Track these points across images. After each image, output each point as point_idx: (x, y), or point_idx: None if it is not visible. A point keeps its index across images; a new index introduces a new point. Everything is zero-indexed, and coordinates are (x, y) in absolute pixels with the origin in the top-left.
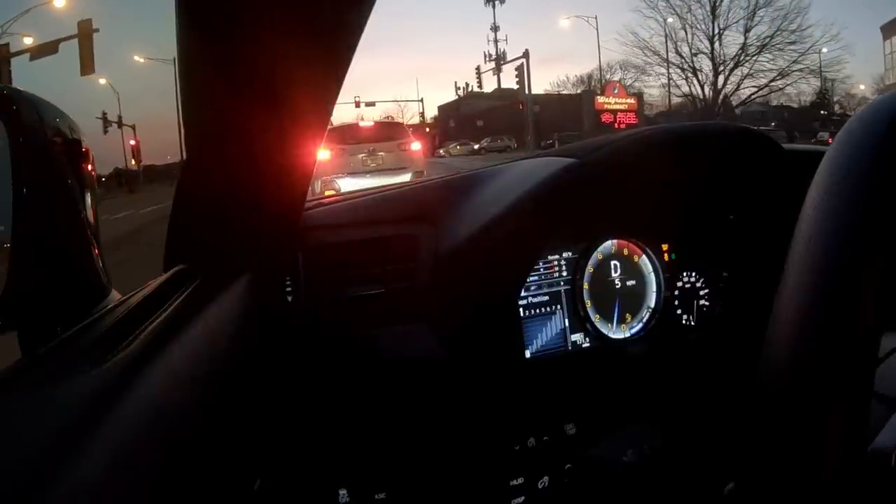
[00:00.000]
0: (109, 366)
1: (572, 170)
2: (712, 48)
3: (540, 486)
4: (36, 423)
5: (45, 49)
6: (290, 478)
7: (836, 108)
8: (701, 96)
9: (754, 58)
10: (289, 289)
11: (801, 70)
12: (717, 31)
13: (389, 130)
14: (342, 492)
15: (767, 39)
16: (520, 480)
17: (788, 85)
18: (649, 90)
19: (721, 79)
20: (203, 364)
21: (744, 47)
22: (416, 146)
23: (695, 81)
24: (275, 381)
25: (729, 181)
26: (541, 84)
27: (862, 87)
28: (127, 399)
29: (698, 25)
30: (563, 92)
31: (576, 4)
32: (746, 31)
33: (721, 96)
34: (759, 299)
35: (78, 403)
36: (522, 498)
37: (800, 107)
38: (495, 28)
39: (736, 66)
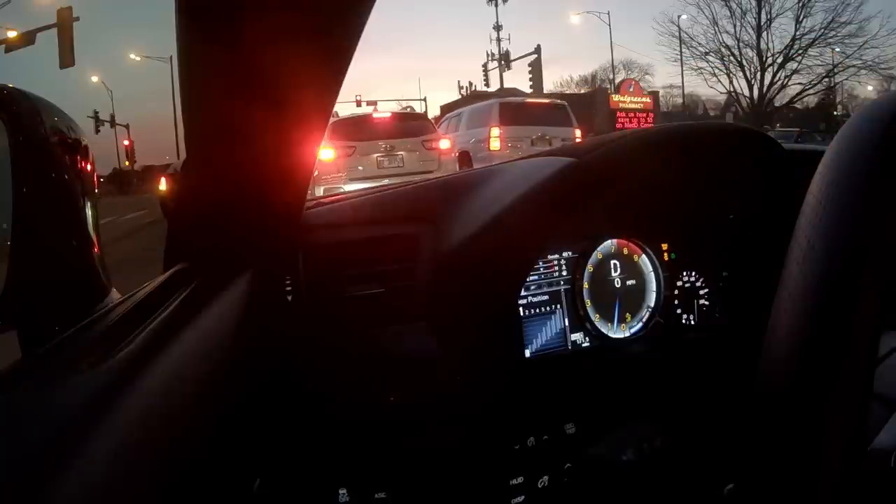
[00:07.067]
0: (109, 366)
1: (571, 169)
2: (758, 40)
3: (540, 486)
4: (36, 422)
5: (21, 40)
6: (290, 477)
7: (840, 109)
8: (746, 93)
9: (807, 51)
10: (289, 288)
11: (855, 66)
12: (765, 20)
13: (411, 124)
14: (342, 491)
15: (822, 31)
16: (520, 480)
17: (839, 83)
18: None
19: (769, 74)
20: (203, 364)
21: (794, 39)
22: (444, 144)
23: (740, 76)
24: (275, 381)
25: (729, 181)
26: (544, 84)
27: (869, 87)
28: (127, 399)
29: (744, 14)
30: (567, 92)
31: (578, 4)
32: (798, 20)
33: (767, 93)
34: (759, 299)
35: (78, 403)
36: (522, 497)
37: (804, 108)
38: (498, 27)
39: (786, 60)
